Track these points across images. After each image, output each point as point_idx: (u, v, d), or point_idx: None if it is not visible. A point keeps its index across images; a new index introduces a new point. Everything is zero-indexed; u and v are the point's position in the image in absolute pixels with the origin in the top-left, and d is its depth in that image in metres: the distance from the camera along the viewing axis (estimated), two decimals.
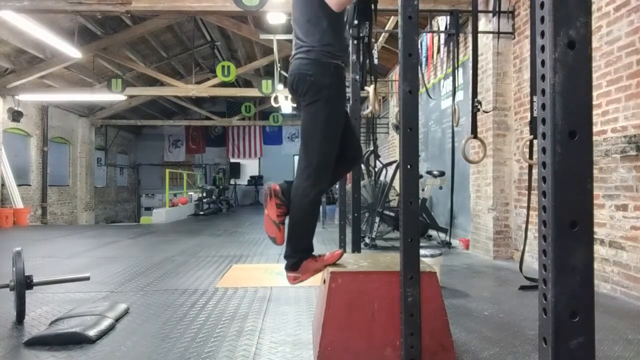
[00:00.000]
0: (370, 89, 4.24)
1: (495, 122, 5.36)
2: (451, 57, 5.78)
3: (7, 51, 9.48)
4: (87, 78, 11.59)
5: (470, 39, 4.43)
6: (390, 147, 11.39)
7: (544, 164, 0.94)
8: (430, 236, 6.90)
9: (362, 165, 7.09)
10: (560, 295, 0.90)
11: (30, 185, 11.89)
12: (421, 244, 2.36)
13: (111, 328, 2.75)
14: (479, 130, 4.11)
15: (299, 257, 2.36)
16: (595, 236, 3.42)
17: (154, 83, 12.36)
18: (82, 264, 5.06)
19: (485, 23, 5.57)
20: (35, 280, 2.87)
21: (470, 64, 4.18)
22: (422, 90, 6.20)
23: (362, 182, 5.43)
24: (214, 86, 11.14)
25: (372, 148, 7.96)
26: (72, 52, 8.36)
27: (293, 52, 2.40)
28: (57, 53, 9.33)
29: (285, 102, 10.55)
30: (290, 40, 2.50)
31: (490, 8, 5.43)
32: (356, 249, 3.46)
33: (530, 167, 3.94)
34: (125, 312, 3.09)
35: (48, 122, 12.47)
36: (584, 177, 0.91)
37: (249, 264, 5.08)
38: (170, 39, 11.95)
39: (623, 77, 3.55)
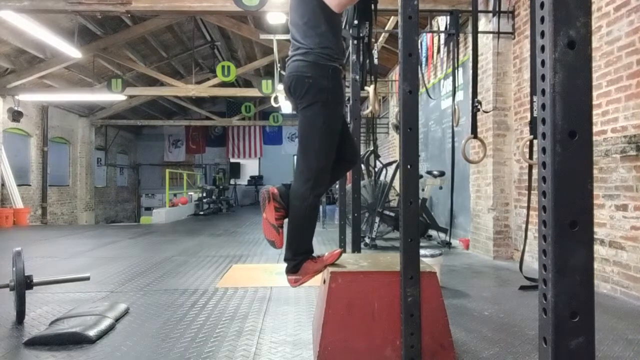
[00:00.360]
0: (370, 89, 4.25)
1: (495, 122, 5.36)
2: (451, 57, 5.78)
3: (7, 51, 9.48)
4: (87, 78, 11.59)
5: (470, 39, 4.43)
6: (390, 147, 11.39)
7: (544, 164, 0.94)
8: (430, 236, 6.90)
9: (362, 165, 7.10)
10: (560, 295, 0.90)
11: (30, 185, 11.89)
12: (421, 244, 2.36)
13: (111, 328, 2.75)
14: (479, 130, 4.10)
15: (299, 260, 2.36)
16: (595, 236, 3.42)
17: (154, 83, 12.36)
18: (82, 264, 5.06)
19: (485, 23, 5.57)
20: (35, 280, 2.87)
21: (470, 64, 4.18)
22: (422, 90, 6.20)
23: (362, 182, 5.43)
24: (214, 86, 11.15)
25: (372, 148, 7.96)
26: (72, 52, 8.36)
27: (290, 54, 2.39)
28: (57, 53, 9.33)
29: (285, 102, 10.55)
30: (290, 41, 2.49)
31: (490, 8, 5.43)
32: (356, 249, 3.47)
33: (530, 167, 3.94)
34: (125, 312, 3.09)
35: (48, 122, 12.47)
36: (584, 177, 0.91)
37: (249, 264, 5.08)
38: (170, 39, 11.95)
39: (623, 77, 3.55)
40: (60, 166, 13.55)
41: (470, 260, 5.30)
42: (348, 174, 3.46)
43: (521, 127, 5.11)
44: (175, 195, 15.02)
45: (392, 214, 6.44)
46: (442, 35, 6.91)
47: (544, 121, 0.94)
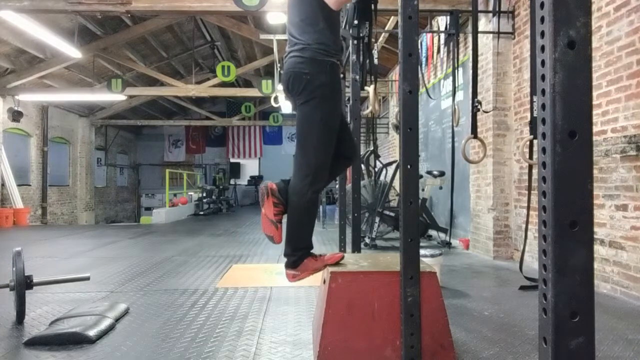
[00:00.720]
0: (370, 89, 4.24)
1: (495, 122, 5.36)
2: (451, 57, 5.78)
3: (7, 51, 9.48)
4: (87, 78, 11.59)
5: (470, 39, 4.43)
6: (390, 147, 11.39)
7: (544, 164, 0.94)
8: (430, 236, 6.90)
9: (362, 165, 7.10)
10: (560, 295, 0.90)
11: (30, 185, 11.89)
12: (421, 244, 2.36)
13: (111, 328, 2.75)
14: (479, 130, 4.11)
15: (299, 255, 2.36)
16: (595, 236, 3.42)
17: (154, 83, 12.36)
18: (82, 264, 5.06)
19: (485, 23, 5.57)
20: (35, 280, 2.87)
21: (470, 64, 4.18)
22: (422, 90, 6.20)
23: (362, 182, 5.43)
24: (214, 86, 11.15)
25: (372, 148, 7.96)
26: (72, 52, 8.36)
27: (287, 50, 2.39)
28: (57, 53, 9.33)
29: (285, 102, 10.55)
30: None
31: (490, 8, 5.43)
32: (356, 249, 3.46)
33: (530, 167, 3.94)
34: (125, 312, 3.09)
35: (48, 122, 12.47)
36: (584, 177, 0.91)
37: (249, 264, 5.08)
38: (170, 39, 11.95)
39: (623, 77, 3.55)
40: (60, 166, 13.55)
41: (470, 260, 5.30)
42: (348, 173, 3.46)
43: (521, 127, 5.11)
44: (175, 195, 15.02)
45: (392, 214, 6.44)
46: (442, 35, 6.91)
47: (544, 121, 0.94)
